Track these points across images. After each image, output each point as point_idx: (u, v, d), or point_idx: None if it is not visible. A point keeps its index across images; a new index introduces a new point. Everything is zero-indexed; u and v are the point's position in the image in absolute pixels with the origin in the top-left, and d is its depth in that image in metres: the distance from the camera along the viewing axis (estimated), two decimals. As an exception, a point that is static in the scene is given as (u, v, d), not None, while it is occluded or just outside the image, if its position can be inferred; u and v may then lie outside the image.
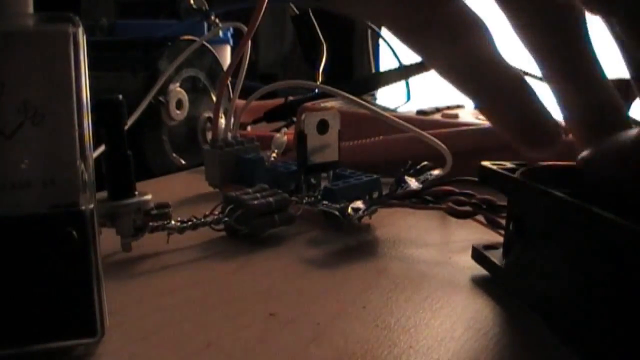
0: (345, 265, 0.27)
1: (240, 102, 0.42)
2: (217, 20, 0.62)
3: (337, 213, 0.32)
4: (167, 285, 0.25)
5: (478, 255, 0.26)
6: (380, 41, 0.80)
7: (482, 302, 0.23)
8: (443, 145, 0.36)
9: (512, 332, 0.21)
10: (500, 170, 0.24)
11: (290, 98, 0.55)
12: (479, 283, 0.25)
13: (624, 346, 0.17)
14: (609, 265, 0.18)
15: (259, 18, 0.38)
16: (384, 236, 0.32)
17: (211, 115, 0.52)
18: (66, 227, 0.18)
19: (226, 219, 0.30)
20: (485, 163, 0.25)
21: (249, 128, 0.57)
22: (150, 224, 0.28)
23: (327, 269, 0.27)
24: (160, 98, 0.46)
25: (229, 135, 0.40)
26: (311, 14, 0.64)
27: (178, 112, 0.48)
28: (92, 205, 0.18)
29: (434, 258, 0.29)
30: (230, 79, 0.42)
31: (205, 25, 0.62)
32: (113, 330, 0.20)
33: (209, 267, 0.27)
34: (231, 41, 0.65)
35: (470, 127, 0.43)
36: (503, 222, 0.27)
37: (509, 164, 0.25)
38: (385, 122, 0.39)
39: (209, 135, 0.52)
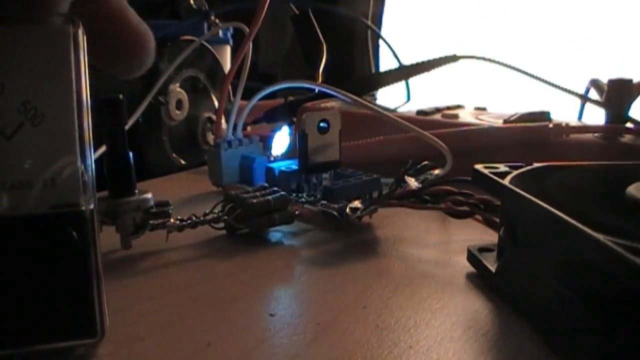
0: (345, 265, 0.27)
1: (241, 103, 0.42)
2: (217, 20, 0.62)
3: (335, 213, 0.32)
4: (167, 284, 0.25)
5: (472, 257, 0.26)
6: (380, 41, 0.80)
7: (482, 303, 0.23)
8: (444, 145, 0.36)
9: (512, 333, 0.21)
10: (490, 175, 0.24)
11: (290, 98, 0.55)
12: (479, 283, 0.25)
13: (603, 356, 0.17)
14: (585, 276, 0.18)
15: (261, 19, 0.38)
16: (384, 236, 0.32)
17: (211, 115, 0.52)
18: (66, 227, 0.18)
19: (225, 217, 0.30)
20: (478, 166, 0.25)
21: (249, 128, 0.57)
22: (150, 222, 0.28)
23: (327, 269, 0.27)
24: (160, 98, 0.46)
25: (231, 134, 0.41)
26: (311, 14, 0.64)
27: (178, 112, 0.48)
28: (92, 206, 0.18)
29: (434, 258, 0.29)
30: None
31: (205, 25, 0.62)
32: (113, 330, 0.20)
33: (210, 267, 0.27)
34: (231, 41, 0.65)
35: (470, 127, 0.43)
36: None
37: (502, 167, 0.25)
38: (385, 122, 0.39)
39: (209, 136, 0.52)
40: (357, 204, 0.32)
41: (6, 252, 0.17)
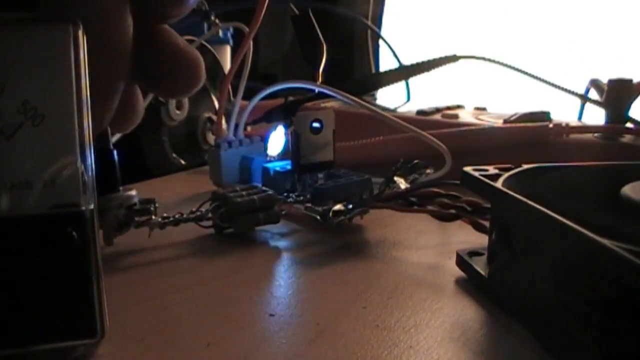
0: (345, 265, 0.27)
1: (241, 103, 0.43)
2: (217, 20, 0.62)
3: (317, 217, 0.31)
4: (167, 284, 0.25)
5: (462, 262, 0.26)
6: (380, 41, 0.80)
7: (482, 303, 0.23)
8: (443, 145, 0.36)
9: (512, 333, 0.21)
10: (481, 178, 0.23)
11: (290, 98, 0.55)
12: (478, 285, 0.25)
13: (603, 357, 0.17)
14: (585, 279, 0.18)
15: (260, 19, 0.38)
16: (384, 236, 0.32)
17: (211, 115, 0.52)
18: (66, 227, 0.18)
19: (210, 215, 0.30)
20: (467, 168, 0.25)
21: (249, 128, 0.57)
22: (136, 219, 0.28)
23: (327, 269, 0.27)
24: (160, 98, 0.46)
25: (232, 135, 0.41)
26: (311, 14, 0.64)
27: (178, 112, 0.48)
28: (92, 206, 0.18)
29: (434, 258, 0.29)
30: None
31: (205, 25, 0.62)
32: (113, 330, 0.20)
33: (210, 266, 0.27)
34: (231, 41, 0.65)
35: (470, 127, 0.43)
36: (488, 224, 0.26)
37: (491, 169, 0.24)
38: (385, 122, 0.39)
39: (209, 136, 0.52)
40: (340, 207, 0.31)
41: (6, 252, 0.17)
